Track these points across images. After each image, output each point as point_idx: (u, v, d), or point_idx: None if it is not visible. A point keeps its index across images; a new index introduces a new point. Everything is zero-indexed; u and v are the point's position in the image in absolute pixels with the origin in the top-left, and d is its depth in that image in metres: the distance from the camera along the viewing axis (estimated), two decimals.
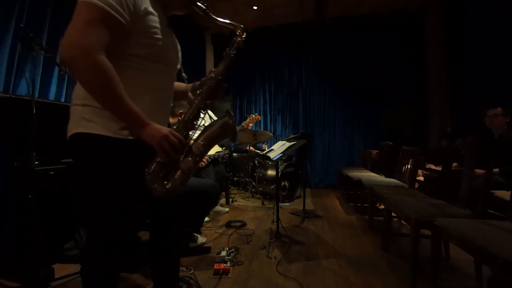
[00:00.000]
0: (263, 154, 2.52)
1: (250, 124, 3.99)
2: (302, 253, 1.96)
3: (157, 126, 0.80)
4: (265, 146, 4.60)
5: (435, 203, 1.68)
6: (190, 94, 1.13)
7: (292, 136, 3.50)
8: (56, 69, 2.54)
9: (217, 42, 5.34)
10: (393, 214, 1.98)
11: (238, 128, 3.70)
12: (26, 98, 1.61)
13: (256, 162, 4.09)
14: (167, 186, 0.83)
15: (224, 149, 2.97)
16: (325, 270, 1.71)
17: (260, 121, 5.46)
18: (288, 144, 2.22)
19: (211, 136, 0.89)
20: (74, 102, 0.83)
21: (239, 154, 4.14)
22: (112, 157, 0.81)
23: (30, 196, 1.42)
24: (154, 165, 0.82)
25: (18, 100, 1.62)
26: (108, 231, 0.85)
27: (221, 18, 0.97)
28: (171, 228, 1.07)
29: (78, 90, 0.82)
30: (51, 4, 2.57)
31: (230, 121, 0.91)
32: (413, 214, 1.51)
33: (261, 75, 5.47)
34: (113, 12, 0.73)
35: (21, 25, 1.60)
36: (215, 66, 1.01)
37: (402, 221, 2.59)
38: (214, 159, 2.78)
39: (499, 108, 2.45)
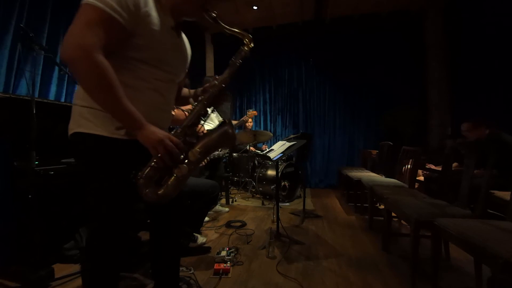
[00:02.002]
0: (263, 154, 2.52)
1: (250, 124, 3.99)
2: (302, 253, 1.96)
3: (154, 128, 0.79)
4: (265, 147, 4.59)
5: (435, 203, 1.68)
6: (191, 100, 1.13)
7: (292, 136, 3.49)
8: (56, 69, 2.54)
9: (217, 42, 5.34)
10: (393, 214, 1.99)
11: (239, 122, 3.71)
12: (26, 98, 1.61)
13: (256, 162, 4.09)
14: (158, 192, 0.80)
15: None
16: (325, 270, 1.71)
17: (260, 121, 5.47)
18: (288, 144, 2.22)
19: (209, 144, 0.87)
20: (74, 102, 0.86)
21: (239, 154, 4.14)
22: (109, 156, 0.83)
23: (30, 196, 1.43)
24: (148, 169, 0.79)
25: (18, 100, 1.62)
26: (109, 228, 0.86)
27: (229, 26, 0.96)
28: (171, 228, 1.07)
29: (79, 90, 0.85)
30: (51, 4, 2.58)
31: (230, 131, 0.89)
32: (413, 214, 1.51)
33: (261, 75, 5.46)
34: (112, 12, 0.73)
35: (21, 25, 1.60)
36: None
37: (402, 221, 2.59)
38: (214, 159, 2.77)
39: (466, 123, 2.46)
